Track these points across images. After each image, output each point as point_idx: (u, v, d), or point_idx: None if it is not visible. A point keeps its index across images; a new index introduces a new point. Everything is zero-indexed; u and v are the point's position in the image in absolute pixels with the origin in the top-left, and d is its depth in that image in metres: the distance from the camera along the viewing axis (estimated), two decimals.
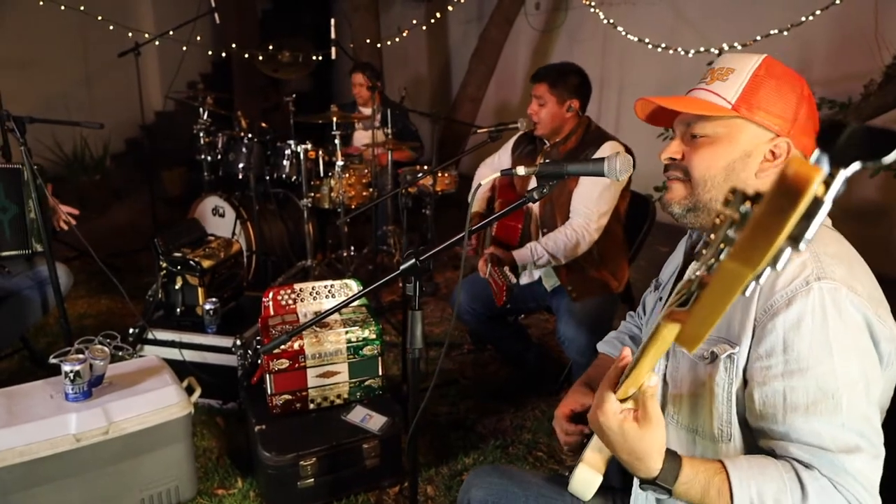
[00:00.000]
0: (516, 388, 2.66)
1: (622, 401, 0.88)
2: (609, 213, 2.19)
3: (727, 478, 0.88)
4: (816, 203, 0.49)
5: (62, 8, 4.45)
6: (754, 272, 0.53)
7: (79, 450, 1.70)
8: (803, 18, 3.61)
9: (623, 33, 4.37)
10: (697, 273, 0.61)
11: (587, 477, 0.97)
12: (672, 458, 0.89)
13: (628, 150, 2.03)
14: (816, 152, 0.49)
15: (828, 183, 0.48)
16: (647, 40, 4.24)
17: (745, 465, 0.90)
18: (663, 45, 4.14)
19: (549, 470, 2.20)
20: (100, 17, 4.67)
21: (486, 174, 2.31)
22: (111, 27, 4.65)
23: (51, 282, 2.33)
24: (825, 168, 0.48)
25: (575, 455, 1.08)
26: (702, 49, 3.95)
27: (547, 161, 2.24)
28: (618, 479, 1.23)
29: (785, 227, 0.50)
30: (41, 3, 4.35)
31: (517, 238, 2.30)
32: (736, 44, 3.81)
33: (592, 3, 4.54)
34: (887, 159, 0.65)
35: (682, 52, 4.06)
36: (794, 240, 0.50)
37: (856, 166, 0.48)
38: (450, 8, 5.89)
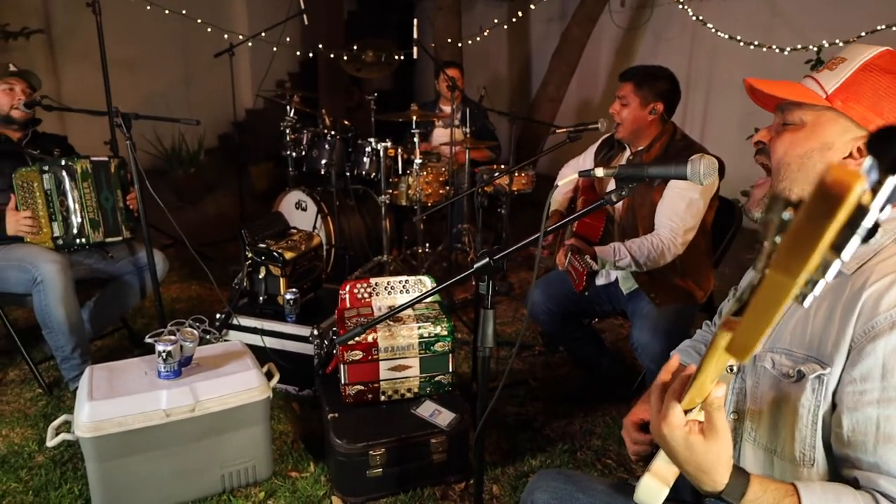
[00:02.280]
0: (587, 393, 2.61)
1: (687, 411, 0.85)
2: (696, 229, 2.12)
3: (798, 501, 0.84)
4: (861, 211, 0.46)
5: (167, 12, 4.75)
6: (796, 282, 0.50)
7: (168, 424, 1.82)
8: None
9: (713, 30, 4.20)
10: (752, 281, 0.59)
11: (653, 488, 0.94)
12: (740, 473, 0.86)
13: (719, 162, 1.94)
14: (868, 159, 0.46)
15: (875, 190, 0.45)
16: (738, 37, 4.06)
17: (818, 490, 0.85)
18: (756, 43, 3.95)
19: (617, 479, 2.15)
20: (199, 21, 4.96)
21: (568, 175, 2.28)
22: (209, 29, 4.93)
23: (149, 268, 2.51)
24: (873, 175, 0.45)
25: (644, 465, 1.05)
26: (799, 46, 3.73)
27: (626, 163, 2.19)
28: (690, 493, 1.19)
29: (824, 236, 0.47)
30: (148, 7, 4.67)
31: (598, 236, 2.27)
32: (837, 41, 3.57)
33: (681, 0, 4.39)
34: None
35: (777, 50, 3.85)
36: (837, 249, 0.48)
37: None
38: (532, 6, 5.85)
